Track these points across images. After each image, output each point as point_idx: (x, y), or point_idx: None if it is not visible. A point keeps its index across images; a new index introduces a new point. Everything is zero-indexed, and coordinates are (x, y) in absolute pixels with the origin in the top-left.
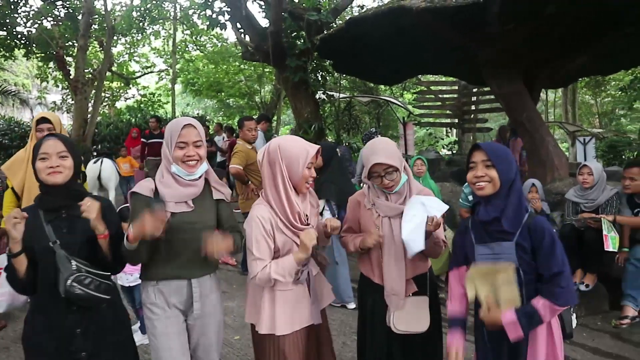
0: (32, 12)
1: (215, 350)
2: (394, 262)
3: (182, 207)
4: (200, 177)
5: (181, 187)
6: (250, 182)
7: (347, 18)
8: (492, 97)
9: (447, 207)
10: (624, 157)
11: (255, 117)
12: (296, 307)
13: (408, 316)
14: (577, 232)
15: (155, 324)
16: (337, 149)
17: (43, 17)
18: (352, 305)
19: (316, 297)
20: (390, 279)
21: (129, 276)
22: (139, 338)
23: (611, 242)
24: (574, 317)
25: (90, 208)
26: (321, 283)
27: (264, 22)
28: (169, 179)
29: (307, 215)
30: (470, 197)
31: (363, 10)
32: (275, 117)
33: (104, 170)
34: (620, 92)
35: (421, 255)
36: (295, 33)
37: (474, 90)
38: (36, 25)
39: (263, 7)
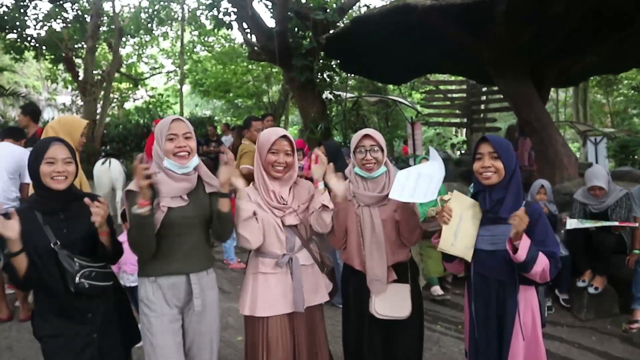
0: (41, 15)
1: (210, 349)
2: (375, 248)
3: (177, 201)
4: (193, 172)
5: (175, 182)
6: None
7: (353, 17)
8: (502, 96)
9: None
10: (636, 156)
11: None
12: (277, 292)
13: (389, 302)
14: (586, 233)
15: (150, 321)
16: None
17: (52, 20)
18: None
19: (300, 286)
20: (372, 265)
21: (130, 276)
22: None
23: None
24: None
25: (98, 212)
26: (311, 277)
27: (270, 22)
28: (162, 175)
29: (282, 197)
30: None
31: (368, 10)
32: (282, 117)
33: (112, 171)
34: (632, 91)
35: (400, 243)
36: (301, 33)
37: (483, 89)
38: (45, 28)
39: (269, 7)
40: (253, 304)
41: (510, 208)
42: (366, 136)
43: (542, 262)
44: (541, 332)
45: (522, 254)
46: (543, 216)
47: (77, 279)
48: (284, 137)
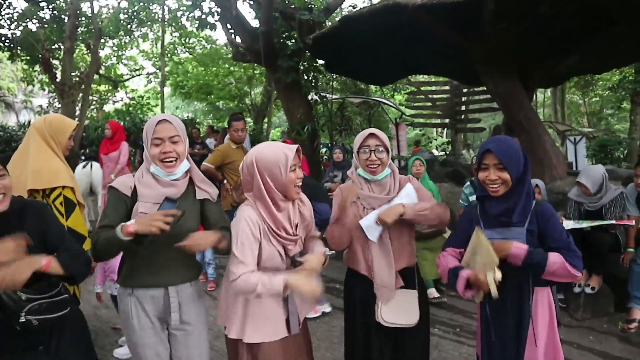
0: (16, 14)
1: None
2: (382, 253)
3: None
4: (183, 176)
5: (161, 186)
6: (225, 181)
7: (341, 16)
8: (483, 97)
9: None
10: (614, 155)
11: (247, 118)
12: (270, 316)
13: (396, 309)
14: (581, 232)
15: (130, 334)
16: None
17: (28, 19)
18: (327, 308)
19: (296, 311)
20: (380, 271)
21: (117, 285)
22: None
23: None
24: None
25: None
26: None
27: (254, 22)
28: (148, 178)
29: (296, 225)
30: (472, 198)
31: (356, 9)
32: (265, 120)
33: (94, 175)
34: (608, 92)
35: (407, 246)
36: (286, 33)
37: (465, 90)
38: (21, 28)
39: (253, 7)
40: (242, 327)
41: (522, 214)
42: (371, 135)
43: (555, 261)
44: (558, 332)
45: (518, 252)
46: (555, 214)
47: (22, 317)
48: (298, 150)
